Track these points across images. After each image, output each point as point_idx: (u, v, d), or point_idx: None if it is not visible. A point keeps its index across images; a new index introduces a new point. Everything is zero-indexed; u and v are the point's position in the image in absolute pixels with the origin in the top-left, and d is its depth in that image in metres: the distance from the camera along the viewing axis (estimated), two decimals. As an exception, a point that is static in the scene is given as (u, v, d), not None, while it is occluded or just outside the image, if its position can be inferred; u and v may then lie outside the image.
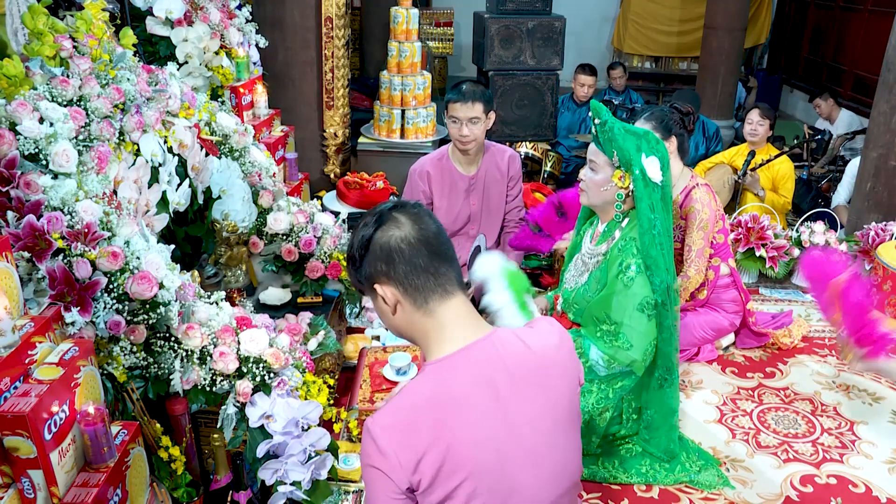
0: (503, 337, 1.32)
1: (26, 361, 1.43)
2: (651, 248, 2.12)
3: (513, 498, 1.26)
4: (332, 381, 2.05)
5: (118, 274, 1.66)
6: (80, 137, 1.84)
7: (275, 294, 2.55)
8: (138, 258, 1.71)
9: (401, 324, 1.34)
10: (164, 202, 2.14)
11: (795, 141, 5.52)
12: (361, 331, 2.93)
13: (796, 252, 3.60)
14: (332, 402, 2.01)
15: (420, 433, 1.21)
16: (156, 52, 3.02)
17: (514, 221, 3.14)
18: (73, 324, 1.57)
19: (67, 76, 1.92)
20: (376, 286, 1.31)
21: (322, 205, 3.93)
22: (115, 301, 1.65)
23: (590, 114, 2.21)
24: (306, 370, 1.97)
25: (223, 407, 1.82)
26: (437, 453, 1.20)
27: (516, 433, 1.27)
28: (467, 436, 1.22)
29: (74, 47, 2.03)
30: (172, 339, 1.76)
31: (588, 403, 2.23)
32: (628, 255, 2.16)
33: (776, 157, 4.08)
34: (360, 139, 4.66)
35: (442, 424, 1.22)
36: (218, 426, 1.83)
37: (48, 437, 1.35)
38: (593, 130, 2.23)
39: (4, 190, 1.63)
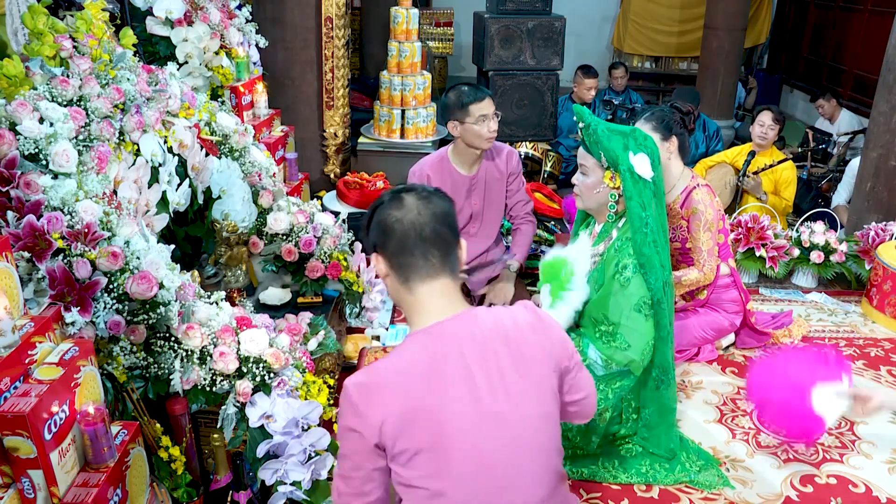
0: (479, 314, 1.41)
1: (26, 361, 1.43)
2: (644, 247, 2.12)
3: (488, 471, 1.32)
4: (332, 381, 2.05)
5: (118, 274, 1.66)
6: (80, 137, 1.84)
7: (275, 294, 2.55)
8: (138, 258, 1.71)
9: (391, 291, 1.45)
10: (164, 202, 2.14)
11: (800, 149, 5.51)
12: (361, 331, 2.93)
13: (796, 252, 3.60)
14: (332, 402, 2.01)
15: (388, 395, 1.30)
16: (156, 52, 3.02)
17: (521, 215, 3.14)
18: (73, 324, 1.57)
19: (67, 76, 1.92)
20: (373, 254, 1.44)
21: (322, 205, 3.93)
22: (115, 301, 1.65)
23: (566, 123, 2.25)
24: (306, 370, 1.97)
25: (223, 407, 1.82)
26: (398, 417, 1.28)
27: (487, 408, 1.33)
28: (432, 404, 1.30)
29: (74, 47, 2.03)
30: (172, 339, 1.76)
31: None
32: (625, 256, 2.16)
33: (780, 162, 4.06)
34: (360, 139, 4.66)
35: (409, 389, 1.30)
36: (218, 426, 1.83)
37: (48, 437, 1.35)
38: (579, 134, 2.24)
39: (4, 190, 1.63)
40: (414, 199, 1.40)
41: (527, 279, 3.56)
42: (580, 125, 2.22)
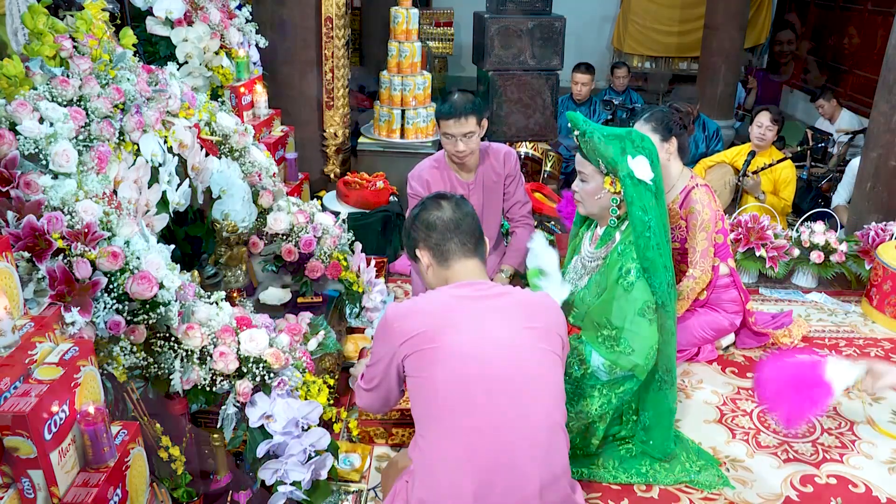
0: (499, 284, 1.77)
1: (26, 361, 1.43)
2: (647, 251, 2.12)
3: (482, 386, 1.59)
4: (332, 381, 2.05)
5: (118, 274, 1.66)
6: (80, 137, 1.84)
7: (275, 294, 2.55)
8: (138, 258, 1.71)
9: (433, 278, 1.81)
10: (164, 202, 2.14)
11: (800, 149, 5.51)
12: (361, 331, 2.93)
13: (796, 252, 3.60)
14: (332, 402, 2.01)
15: (413, 318, 1.66)
16: (156, 52, 3.02)
17: (518, 217, 3.12)
18: (73, 324, 1.57)
19: (67, 76, 1.92)
20: (417, 250, 1.81)
21: (322, 205, 3.93)
22: (115, 301, 1.65)
23: (567, 123, 2.24)
24: (306, 370, 1.97)
25: (223, 407, 1.82)
26: (415, 332, 1.63)
27: (488, 333, 1.64)
28: (440, 322, 1.63)
29: (74, 47, 2.03)
30: (172, 339, 1.76)
31: (591, 409, 2.23)
32: (628, 260, 2.15)
33: (779, 161, 4.06)
34: (360, 139, 4.66)
35: (427, 317, 1.66)
36: (218, 426, 1.83)
37: (48, 437, 1.35)
38: (575, 142, 2.23)
39: (4, 190, 1.63)
40: (448, 202, 1.80)
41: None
42: (575, 133, 2.21)
